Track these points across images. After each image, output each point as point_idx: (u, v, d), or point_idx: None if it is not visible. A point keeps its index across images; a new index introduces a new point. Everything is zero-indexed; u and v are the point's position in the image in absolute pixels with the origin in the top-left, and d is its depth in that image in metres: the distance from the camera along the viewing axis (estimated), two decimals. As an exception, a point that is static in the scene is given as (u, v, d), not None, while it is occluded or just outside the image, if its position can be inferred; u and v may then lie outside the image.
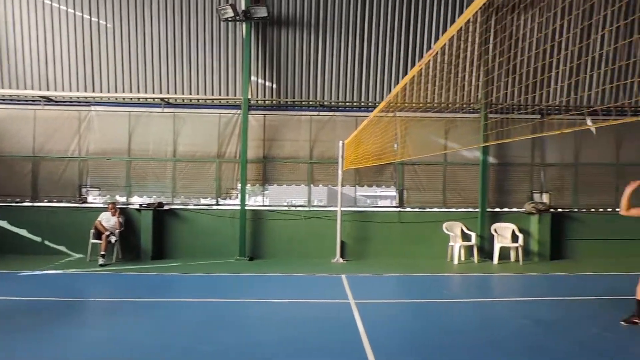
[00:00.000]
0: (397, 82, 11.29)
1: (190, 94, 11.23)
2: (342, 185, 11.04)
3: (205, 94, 11.24)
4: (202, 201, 11.54)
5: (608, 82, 10.77)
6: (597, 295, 7.51)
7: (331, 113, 11.48)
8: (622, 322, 5.73)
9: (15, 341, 5.19)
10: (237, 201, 10.97)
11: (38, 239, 10.89)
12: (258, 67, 11.22)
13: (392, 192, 11.87)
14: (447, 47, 10.37)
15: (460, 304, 7.33)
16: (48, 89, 11.13)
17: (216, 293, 7.69)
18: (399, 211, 11.36)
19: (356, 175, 11.37)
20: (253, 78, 11.22)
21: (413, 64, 11.28)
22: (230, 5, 10.30)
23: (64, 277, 8.69)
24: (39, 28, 10.97)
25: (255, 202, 11.68)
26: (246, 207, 10.88)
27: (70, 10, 10.91)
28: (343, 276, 8.96)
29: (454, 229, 11.02)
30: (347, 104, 11.47)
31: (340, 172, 10.84)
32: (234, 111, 11.23)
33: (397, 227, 11.22)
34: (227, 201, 11.32)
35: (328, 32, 11.12)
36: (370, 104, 11.33)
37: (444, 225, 11.01)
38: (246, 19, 10.63)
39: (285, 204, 11.66)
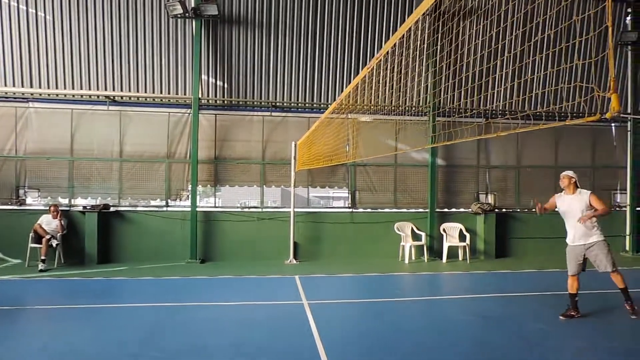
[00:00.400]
0: (349, 83, 11.40)
1: (138, 91, 10.85)
2: (295, 187, 11.03)
3: (154, 92, 10.90)
4: (152, 203, 11.17)
5: (540, 87, 11.36)
6: (539, 291, 7.90)
7: (284, 114, 11.43)
8: (561, 317, 6.06)
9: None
10: (188, 202, 10.70)
11: (-31, 244, 10.15)
12: (209, 66, 11.01)
13: (344, 193, 11.99)
14: (396, 49, 10.59)
15: (412, 302, 7.49)
16: (-20, 84, 10.42)
17: (165, 297, 7.44)
18: (352, 212, 11.48)
19: (309, 176, 11.39)
20: (204, 77, 11.00)
21: (365, 66, 11.43)
22: (179, 1, 10.03)
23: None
24: (-30, 18, 10.25)
25: (207, 203, 11.43)
26: (197, 209, 10.63)
27: (5, 0, 10.25)
28: (296, 277, 8.94)
29: (404, 229, 11.26)
30: (300, 104, 11.46)
31: (293, 173, 10.81)
32: (183, 110, 10.95)
33: (350, 228, 11.34)
34: (178, 202, 11.01)
35: (280, 33, 11.08)
36: (322, 105, 11.38)
37: (395, 225, 11.23)
38: (196, 17, 10.39)
39: (238, 205, 11.49)
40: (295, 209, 10.91)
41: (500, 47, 10.83)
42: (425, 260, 10.90)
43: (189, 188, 10.70)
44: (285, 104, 11.41)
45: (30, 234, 9.65)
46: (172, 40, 10.81)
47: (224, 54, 11.04)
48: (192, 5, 10.36)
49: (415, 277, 9.43)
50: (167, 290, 8.01)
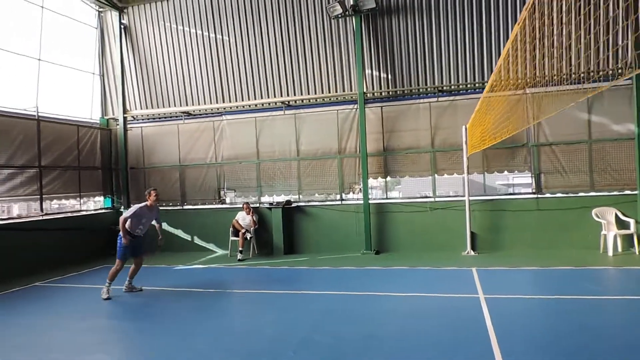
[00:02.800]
0: (523, 56, 10.21)
1: (309, 94, 11.57)
2: (470, 173, 10.36)
3: (323, 92, 11.47)
4: (327, 197, 11.81)
5: None
6: None
7: (451, 98, 10.84)
8: None
9: (161, 325, 5.90)
10: (361, 195, 10.98)
11: (188, 237, 12.24)
12: (372, 60, 11.11)
13: (526, 177, 10.80)
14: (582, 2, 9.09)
15: (613, 301, 6.34)
16: (187, 105, 12.45)
17: (342, 286, 7.78)
18: (537, 198, 10.25)
19: (484, 161, 10.57)
20: (367, 71, 11.14)
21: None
22: (338, 2, 10.36)
23: (208, 271, 9.61)
24: (176, 52, 12.33)
25: (389, 195, 11.50)
26: (369, 201, 10.84)
27: (199, 32, 12.05)
28: (473, 269, 8.42)
29: (606, 216, 9.59)
30: (469, 85, 10.73)
31: (465, 159, 10.18)
32: (350, 106, 11.28)
33: (535, 216, 10.15)
34: (351, 195, 11.41)
35: (442, 14, 10.55)
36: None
37: (594, 211, 9.64)
38: (355, 13, 10.60)
39: (418, 195, 11.28)
40: (471, 197, 10.25)
41: None
42: (637, 252, 9.10)
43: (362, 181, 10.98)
44: (453, 87, 10.82)
45: (230, 229, 11.16)
46: (335, 40, 11.23)
47: (385, 45, 11.02)
48: (351, 3, 10.59)
49: (621, 272, 7.95)
50: (343, 280, 8.35)
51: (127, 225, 7.30)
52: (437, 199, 10.87)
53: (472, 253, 10.02)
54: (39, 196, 10.68)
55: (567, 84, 9.56)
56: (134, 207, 7.41)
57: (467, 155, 10.08)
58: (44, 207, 10.78)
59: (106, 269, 10.24)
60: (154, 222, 7.73)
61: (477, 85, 10.65)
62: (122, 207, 12.73)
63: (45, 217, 10.73)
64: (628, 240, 9.34)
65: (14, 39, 10.60)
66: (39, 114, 10.75)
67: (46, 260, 10.24)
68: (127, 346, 5.42)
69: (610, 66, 9.72)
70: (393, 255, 10.40)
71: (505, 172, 10.72)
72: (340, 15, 10.67)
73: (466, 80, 10.69)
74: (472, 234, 10.21)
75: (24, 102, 10.68)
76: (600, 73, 9.72)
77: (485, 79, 10.55)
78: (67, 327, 6.12)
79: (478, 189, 10.88)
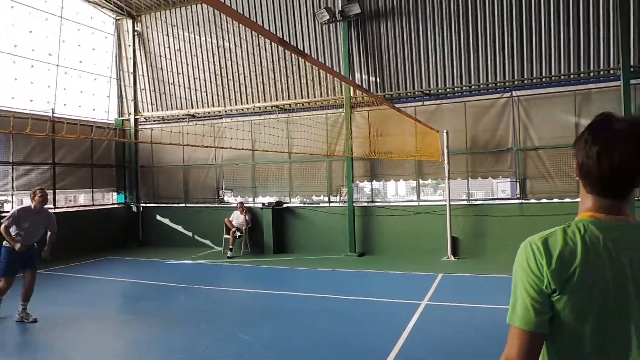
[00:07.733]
0: (511, 57, 10.01)
1: (301, 98, 11.89)
2: (453, 179, 10.31)
3: (315, 97, 11.76)
4: (315, 199, 12.11)
5: None
6: None
7: (438, 101, 10.79)
8: None
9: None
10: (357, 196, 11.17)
11: (190, 234, 12.97)
12: (360, 64, 11.26)
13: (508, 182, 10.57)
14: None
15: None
16: (192, 108, 13.13)
17: (298, 286, 8.13)
18: (521, 203, 10.03)
19: (468, 166, 10.46)
20: (356, 75, 11.30)
21: (533, 33, 9.84)
22: (325, 8, 10.62)
23: (193, 267, 10.24)
24: (182, 58, 13.01)
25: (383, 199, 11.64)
26: (354, 204, 11.03)
27: (203, 39, 12.69)
28: (439, 275, 8.46)
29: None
30: (456, 89, 10.63)
31: (446, 164, 10.13)
32: (339, 110, 11.49)
33: (519, 222, 9.93)
34: (338, 198, 11.64)
35: (428, 17, 10.51)
36: (482, 87, 10.31)
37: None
38: (343, 19, 10.78)
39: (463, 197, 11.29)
40: (453, 202, 10.19)
41: None
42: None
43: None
44: (440, 91, 10.76)
45: (224, 227, 11.74)
46: (327, 45, 11.48)
47: (373, 49, 11.13)
48: (339, 9, 10.78)
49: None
50: (303, 280, 8.75)
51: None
52: (420, 203, 10.88)
53: (453, 258, 9.97)
54: (52, 191, 11.72)
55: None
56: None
57: (439, 160, 10.05)
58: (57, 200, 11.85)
59: (110, 261, 11.13)
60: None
61: (464, 88, 10.53)
62: (132, 202, 13.67)
63: (57, 210, 11.76)
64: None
65: (35, 47, 11.64)
66: (55, 115, 11.76)
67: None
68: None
69: (601, 66, 9.33)
70: (374, 258, 10.55)
71: (490, 177, 10.52)
72: (329, 21, 10.90)
73: (453, 84, 10.60)
74: (453, 239, 10.16)
75: (42, 105, 11.76)
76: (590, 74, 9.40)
77: (473, 82, 10.42)
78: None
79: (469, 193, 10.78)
